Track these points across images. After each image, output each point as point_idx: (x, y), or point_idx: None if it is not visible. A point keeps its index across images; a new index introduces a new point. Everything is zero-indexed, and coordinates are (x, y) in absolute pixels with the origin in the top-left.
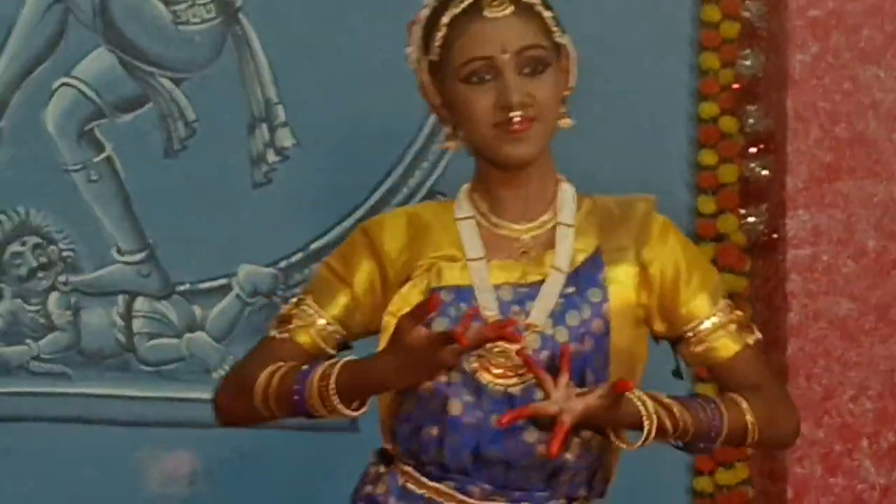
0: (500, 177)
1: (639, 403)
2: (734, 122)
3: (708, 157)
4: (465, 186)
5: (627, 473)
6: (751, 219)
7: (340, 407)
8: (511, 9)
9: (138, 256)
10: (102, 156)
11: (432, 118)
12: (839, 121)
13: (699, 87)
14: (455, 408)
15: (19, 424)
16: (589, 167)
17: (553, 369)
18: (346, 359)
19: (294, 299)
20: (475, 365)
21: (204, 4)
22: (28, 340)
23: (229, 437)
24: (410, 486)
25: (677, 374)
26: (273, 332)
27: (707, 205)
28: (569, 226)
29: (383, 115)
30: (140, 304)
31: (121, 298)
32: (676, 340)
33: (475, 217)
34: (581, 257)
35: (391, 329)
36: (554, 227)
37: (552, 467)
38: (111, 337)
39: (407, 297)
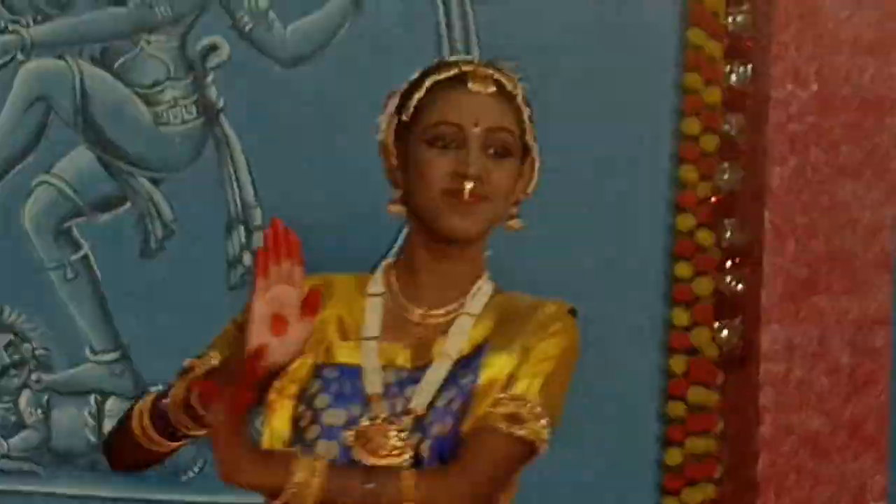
0: (429, 253)
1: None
2: (711, 235)
3: (683, 270)
4: (387, 262)
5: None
6: (724, 332)
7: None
8: (494, 89)
9: (111, 356)
10: (79, 254)
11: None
12: (816, 236)
13: (677, 199)
14: None
15: None
16: (563, 277)
17: (418, 455)
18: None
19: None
20: (351, 441)
21: (185, 105)
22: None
23: None
24: None
25: None
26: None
27: (681, 317)
28: (471, 315)
29: (366, 222)
30: (112, 403)
31: (93, 398)
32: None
33: (385, 295)
34: (468, 347)
35: (275, 407)
36: (457, 317)
37: None
38: (82, 436)
39: (294, 374)
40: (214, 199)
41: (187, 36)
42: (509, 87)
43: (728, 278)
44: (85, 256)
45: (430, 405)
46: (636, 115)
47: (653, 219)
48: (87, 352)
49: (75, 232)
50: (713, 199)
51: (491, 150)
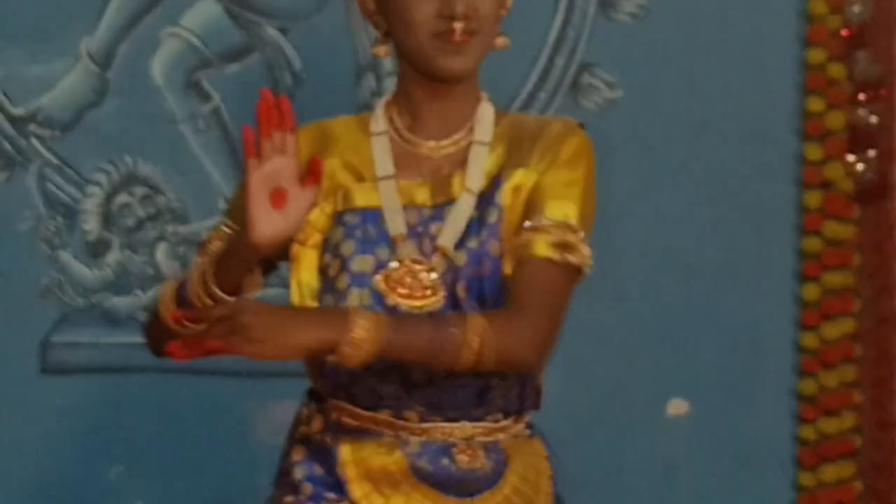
0: (425, 91)
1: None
2: (842, 68)
3: (815, 104)
4: (384, 99)
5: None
6: (859, 166)
7: (216, 289)
8: None
9: None
10: (210, 105)
11: (536, 75)
12: None
13: (807, 33)
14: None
15: (130, 375)
16: (698, 114)
17: (453, 295)
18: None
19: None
20: (382, 287)
21: None
22: (137, 291)
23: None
24: (346, 419)
25: None
26: (194, 259)
27: (814, 151)
28: (483, 144)
29: (492, 66)
30: None
31: None
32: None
33: (389, 132)
34: (486, 179)
35: (300, 258)
36: (468, 146)
37: (480, 387)
38: None
39: (315, 223)
40: (343, 47)
41: None
42: None
43: (861, 111)
44: (216, 107)
45: (461, 244)
46: None
47: (784, 53)
48: (222, 203)
49: (205, 83)
50: (844, 31)
51: None
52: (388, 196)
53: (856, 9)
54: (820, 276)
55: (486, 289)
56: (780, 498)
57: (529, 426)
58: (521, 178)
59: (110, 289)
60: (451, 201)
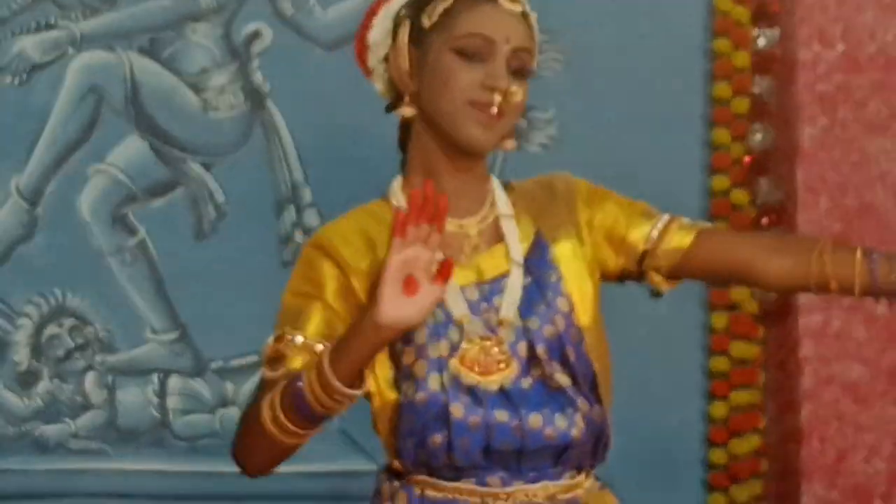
0: (445, 163)
1: None
2: (745, 194)
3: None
4: (397, 181)
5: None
6: None
7: (338, 385)
8: (521, 8)
9: (171, 335)
10: (136, 239)
11: None
12: (847, 191)
13: (711, 160)
14: (457, 411)
15: (59, 501)
16: None
17: (532, 358)
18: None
19: (270, 339)
20: (459, 368)
21: (232, 91)
22: (66, 419)
23: None
24: (429, 492)
25: (656, 295)
26: (268, 374)
27: None
28: (510, 216)
29: None
30: (174, 381)
31: (155, 376)
32: (641, 265)
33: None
34: (525, 245)
35: (381, 357)
36: (494, 220)
37: (559, 447)
38: (146, 414)
39: None
40: (264, 181)
41: (231, 24)
42: (529, 10)
43: None
44: (142, 241)
45: (527, 310)
46: (669, 80)
47: (689, 181)
48: (148, 332)
49: (131, 217)
50: (746, 159)
51: (514, 68)
52: (449, 284)
53: (758, 136)
54: (728, 394)
55: (565, 343)
56: None
57: (597, 478)
58: (564, 238)
59: (40, 417)
60: (501, 275)
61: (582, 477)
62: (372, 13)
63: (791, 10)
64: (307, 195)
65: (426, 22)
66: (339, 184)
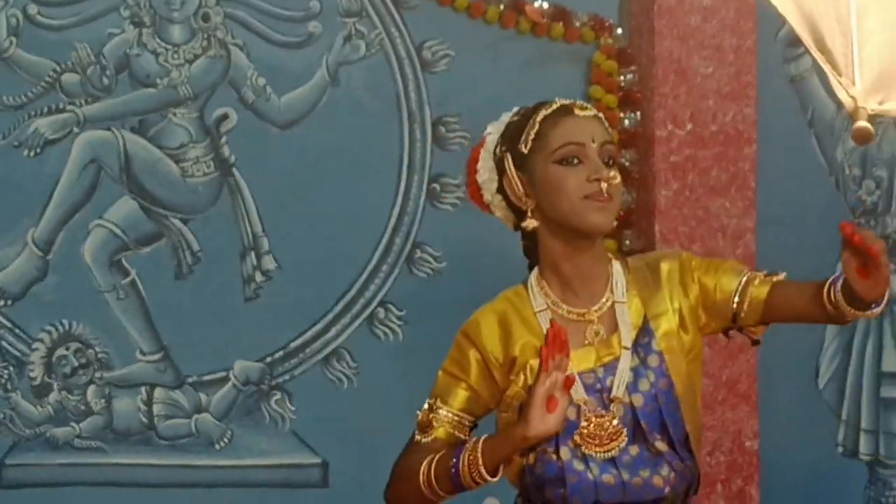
0: (568, 253)
1: None
2: (614, 243)
3: None
4: (534, 274)
5: None
6: None
7: (485, 473)
8: (593, 113)
9: (157, 356)
10: (128, 279)
11: (380, 251)
12: (695, 241)
13: None
14: (572, 479)
15: (65, 489)
16: (507, 282)
17: (637, 428)
18: (483, 437)
19: (426, 406)
20: (579, 442)
21: (205, 161)
22: (72, 423)
23: (227, 494)
24: None
25: (755, 342)
26: (419, 438)
27: None
28: (624, 303)
29: (345, 245)
30: (158, 393)
31: (143, 389)
32: (734, 321)
33: (548, 308)
34: (635, 331)
35: (507, 422)
36: (612, 305)
37: (656, 499)
38: (137, 419)
39: (515, 396)
40: (230, 233)
41: (204, 108)
42: (600, 116)
43: None
44: (132, 281)
45: (633, 389)
46: None
47: None
48: (138, 354)
49: (124, 262)
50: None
51: (604, 160)
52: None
53: (625, 197)
54: None
55: (664, 416)
56: None
57: None
58: (666, 325)
59: (51, 422)
60: (615, 359)
61: None
62: (474, 160)
63: (650, 98)
64: (265, 244)
65: (524, 148)
66: (291, 236)
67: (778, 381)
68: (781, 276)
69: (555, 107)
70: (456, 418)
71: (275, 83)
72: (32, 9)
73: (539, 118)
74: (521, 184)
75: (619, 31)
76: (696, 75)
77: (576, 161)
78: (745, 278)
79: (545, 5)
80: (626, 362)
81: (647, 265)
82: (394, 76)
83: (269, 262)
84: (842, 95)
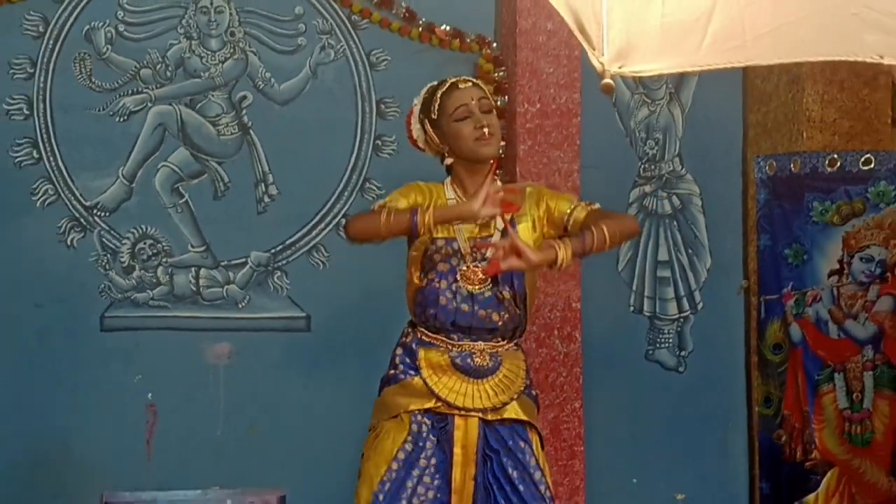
0: (469, 173)
1: (556, 247)
2: None
3: None
4: (448, 180)
5: None
6: None
7: (433, 219)
8: (472, 82)
9: (201, 249)
10: (182, 200)
11: (343, 183)
12: (541, 178)
13: None
14: (442, 301)
15: (143, 332)
16: None
17: (495, 280)
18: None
19: (376, 204)
20: (460, 280)
21: (231, 126)
22: (147, 290)
23: (246, 336)
24: (423, 337)
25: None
26: (378, 204)
27: None
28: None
29: (321, 179)
30: (202, 272)
31: (193, 269)
32: (565, 230)
33: (455, 199)
34: (503, 224)
35: (415, 258)
36: None
37: (492, 327)
38: (188, 288)
39: (422, 241)
40: (248, 171)
41: (231, 92)
42: (478, 83)
43: None
44: (186, 201)
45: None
46: None
47: None
48: (189, 247)
49: (180, 189)
50: None
51: (483, 110)
52: (459, 233)
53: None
54: None
55: (513, 277)
56: None
57: (517, 345)
58: (523, 224)
59: (134, 290)
60: (490, 235)
61: (504, 342)
62: (408, 123)
63: (513, 87)
64: (270, 178)
65: (433, 115)
66: (287, 173)
67: (594, 266)
68: (596, 205)
69: (447, 84)
70: (430, 208)
71: (276, 76)
72: (121, 27)
73: (438, 94)
74: (436, 137)
75: (495, 45)
76: (543, 73)
77: (465, 117)
78: (574, 205)
79: (448, 28)
80: (496, 238)
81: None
82: (352, 72)
83: (272, 190)
84: (595, 63)
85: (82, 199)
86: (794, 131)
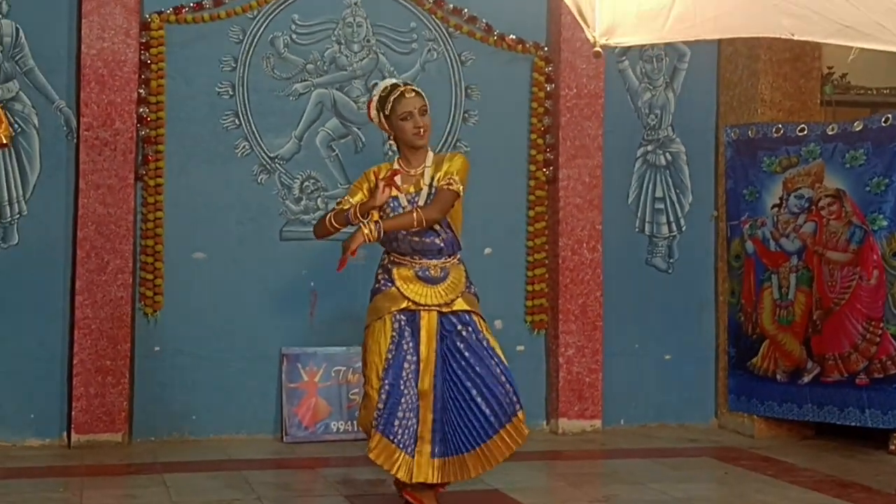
0: (409, 151)
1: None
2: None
3: None
4: (397, 158)
5: None
6: None
7: (357, 214)
8: (415, 94)
9: (346, 186)
10: (334, 153)
11: (445, 137)
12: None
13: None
14: (400, 235)
15: (306, 242)
16: None
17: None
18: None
19: (336, 203)
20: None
21: (367, 104)
22: (311, 213)
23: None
24: (395, 258)
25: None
26: (336, 207)
27: None
28: (429, 168)
29: (434, 135)
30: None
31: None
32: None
33: (401, 168)
34: (430, 181)
35: (374, 213)
36: (423, 170)
37: (439, 247)
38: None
39: (382, 204)
40: (377, 134)
41: (367, 80)
42: (420, 91)
43: None
44: (336, 154)
45: (427, 204)
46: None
47: None
48: (338, 184)
49: (333, 146)
50: None
51: (422, 114)
52: (401, 194)
53: None
54: None
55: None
56: None
57: (460, 260)
58: (436, 178)
59: (302, 213)
60: (420, 190)
61: (450, 258)
62: (368, 107)
63: (558, 85)
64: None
65: (386, 112)
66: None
67: (611, 200)
68: (453, 186)
69: (399, 91)
70: (357, 205)
71: (397, 70)
72: (294, 36)
73: (391, 98)
74: (387, 126)
75: (546, 48)
76: (578, 68)
77: (408, 118)
78: (443, 179)
79: (514, 36)
80: (425, 192)
81: (442, 155)
82: (448, 67)
83: (394, 147)
84: (589, 36)
85: (268, 152)
86: (751, 109)
